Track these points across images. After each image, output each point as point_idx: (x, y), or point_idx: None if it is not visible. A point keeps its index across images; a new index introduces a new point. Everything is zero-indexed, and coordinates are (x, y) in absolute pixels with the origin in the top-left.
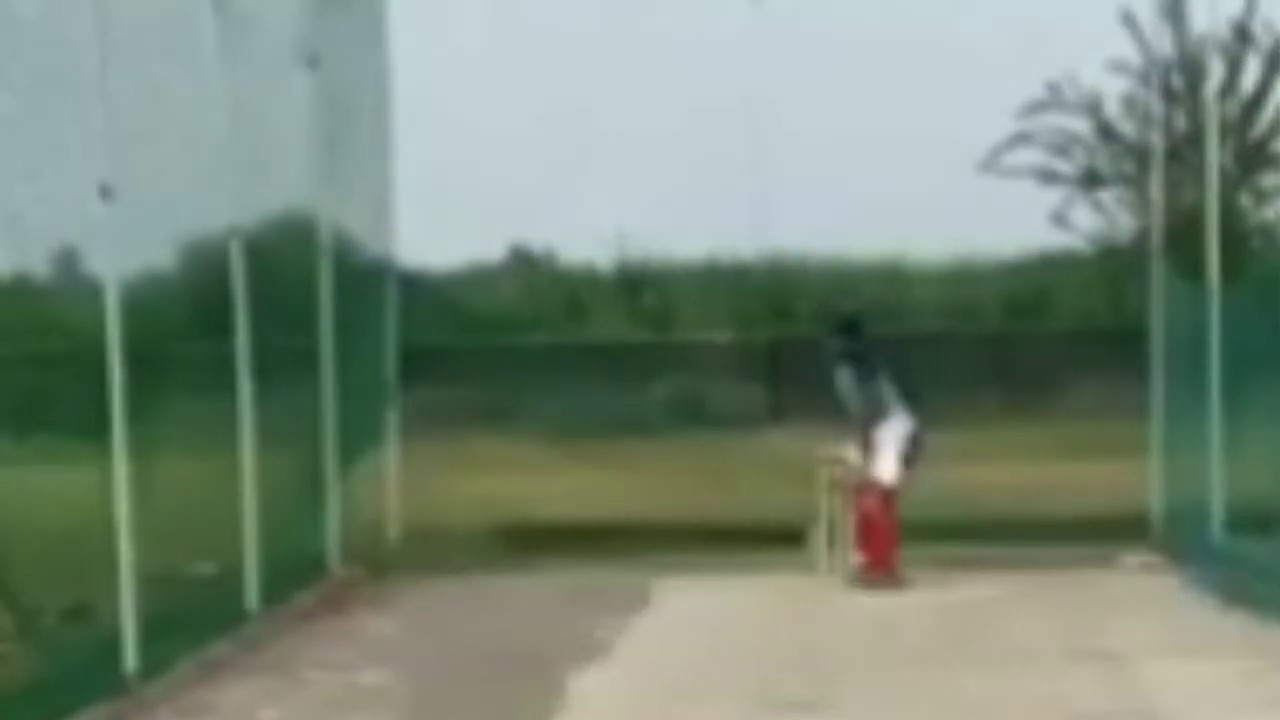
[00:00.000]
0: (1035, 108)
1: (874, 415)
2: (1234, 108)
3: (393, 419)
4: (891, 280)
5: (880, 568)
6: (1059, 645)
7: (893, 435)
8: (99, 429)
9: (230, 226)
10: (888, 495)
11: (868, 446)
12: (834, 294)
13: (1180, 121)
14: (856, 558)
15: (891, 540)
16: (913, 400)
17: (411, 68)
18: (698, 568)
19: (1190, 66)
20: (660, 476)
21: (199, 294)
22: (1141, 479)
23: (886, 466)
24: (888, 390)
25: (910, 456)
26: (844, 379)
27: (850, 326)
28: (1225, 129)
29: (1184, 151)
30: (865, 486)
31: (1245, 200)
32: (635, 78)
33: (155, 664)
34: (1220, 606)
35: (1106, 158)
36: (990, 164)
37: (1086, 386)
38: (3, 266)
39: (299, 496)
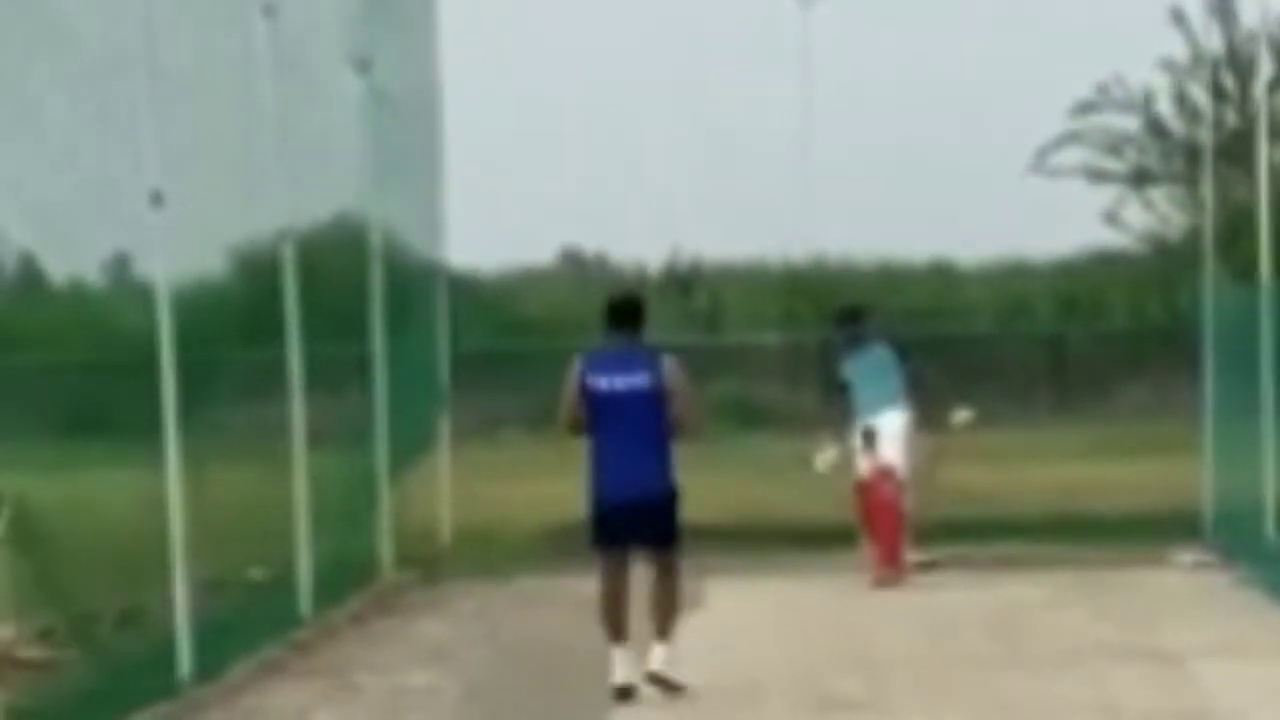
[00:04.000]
0: (1085, 108)
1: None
2: None
3: (444, 422)
4: (942, 280)
5: (894, 565)
6: (1110, 644)
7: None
8: (152, 434)
9: (281, 231)
10: (899, 484)
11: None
12: (883, 294)
13: (1231, 118)
14: (875, 561)
15: (901, 531)
16: (964, 399)
17: (462, 72)
18: (751, 569)
19: (1240, 63)
20: (712, 478)
21: (250, 299)
22: (1194, 477)
23: (894, 454)
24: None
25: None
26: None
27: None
28: (1276, 125)
29: (1235, 148)
30: (879, 476)
31: None
32: (685, 82)
33: (209, 668)
34: (1273, 605)
35: (1157, 155)
36: (1039, 164)
37: (1138, 385)
38: (56, 273)
39: (351, 500)
